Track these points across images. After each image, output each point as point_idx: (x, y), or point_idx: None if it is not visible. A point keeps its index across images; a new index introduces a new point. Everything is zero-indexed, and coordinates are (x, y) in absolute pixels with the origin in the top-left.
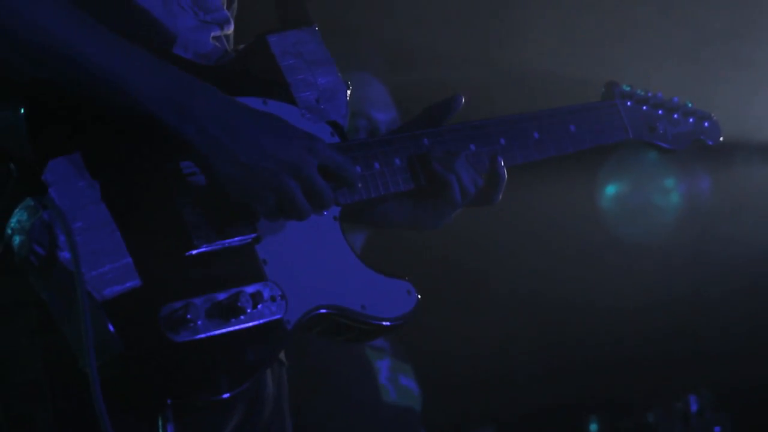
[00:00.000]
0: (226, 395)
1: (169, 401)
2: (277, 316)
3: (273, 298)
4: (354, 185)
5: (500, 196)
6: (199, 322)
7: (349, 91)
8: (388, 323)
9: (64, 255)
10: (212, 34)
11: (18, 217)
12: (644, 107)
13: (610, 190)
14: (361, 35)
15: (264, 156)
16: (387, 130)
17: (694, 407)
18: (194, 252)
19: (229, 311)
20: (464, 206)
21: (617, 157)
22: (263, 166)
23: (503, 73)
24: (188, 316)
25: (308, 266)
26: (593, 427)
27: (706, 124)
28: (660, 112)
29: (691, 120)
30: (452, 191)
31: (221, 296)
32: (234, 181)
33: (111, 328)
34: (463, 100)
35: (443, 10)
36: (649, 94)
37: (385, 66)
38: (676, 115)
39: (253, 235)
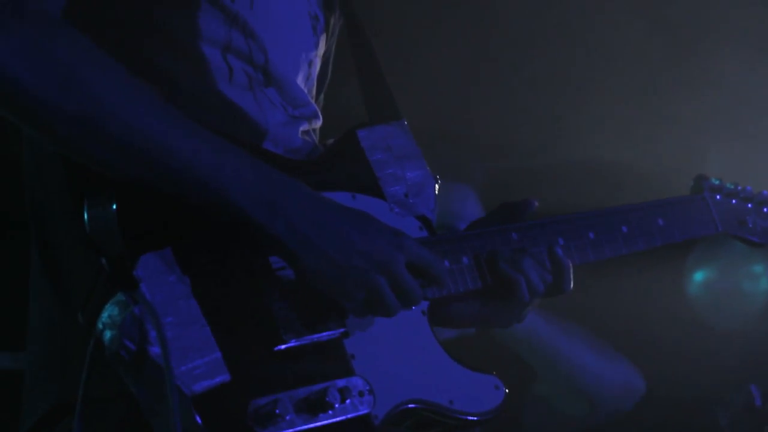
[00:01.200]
0: None
1: None
2: (365, 411)
3: (361, 393)
4: (442, 281)
5: (571, 285)
6: (288, 417)
7: (437, 185)
8: (475, 418)
9: (155, 350)
10: (301, 128)
11: (109, 312)
12: (733, 201)
13: (698, 276)
14: (461, 140)
15: (353, 253)
16: None
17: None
18: (283, 347)
19: (318, 406)
20: (536, 302)
21: (705, 244)
22: (352, 264)
23: (584, 165)
24: (277, 411)
25: (396, 360)
26: None
27: None
28: (749, 205)
29: None
30: (520, 290)
31: (310, 391)
32: (323, 277)
33: (199, 421)
34: (536, 204)
35: (524, 104)
36: (738, 188)
37: (483, 168)
38: (766, 209)
39: (342, 330)
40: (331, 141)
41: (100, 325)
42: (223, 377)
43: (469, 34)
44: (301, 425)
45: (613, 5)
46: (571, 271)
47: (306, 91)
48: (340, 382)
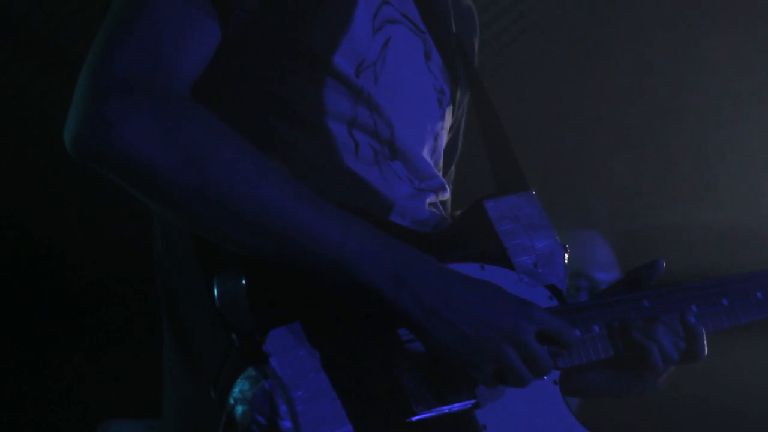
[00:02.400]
0: None
1: None
2: None
3: None
4: (573, 349)
5: (705, 352)
6: None
7: (567, 255)
8: None
9: (286, 424)
10: (428, 200)
11: (240, 387)
12: None
13: None
14: (586, 191)
15: (482, 325)
16: None
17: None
18: (414, 419)
19: None
20: (670, 370)
21: None
22: (481, 336)
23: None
24: None
25: (528, 431)
26: None
27: None
28: None
29: None
30: (653, 358)
31: None
32: (452, 350)
33: None
34: (664, 265)
35: (655, 159)
36: None
37: (609, 217)
38: None
39: (473, 401)
40: (458, 212)
41: (232, 400)
42: None
43: (576, 79)
44: None
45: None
46: (705, 338)
47: (432, 163)
48: None
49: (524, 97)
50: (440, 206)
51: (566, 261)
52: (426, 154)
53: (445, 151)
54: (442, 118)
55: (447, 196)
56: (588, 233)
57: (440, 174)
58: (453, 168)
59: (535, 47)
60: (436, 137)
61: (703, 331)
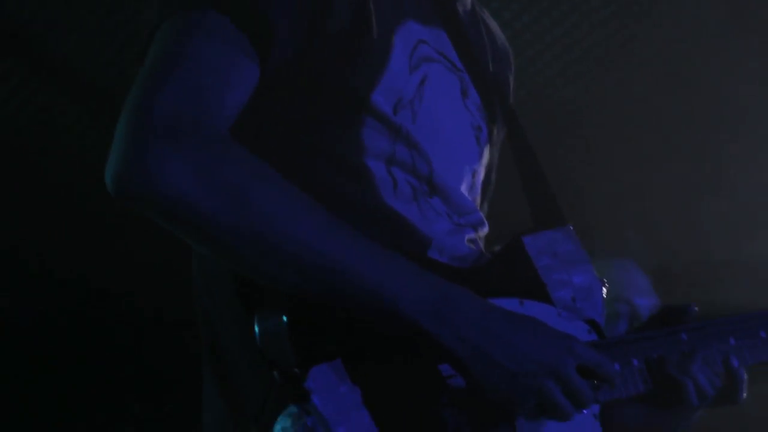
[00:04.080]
0: None
1: None
2: None
3: None
4: (613, 382)
5: (744, 396)
6: None
7: (605, 289)
8: None
9: None
10: (467, 236)
11: (282, 425)
12: None
13: None
14: (620, 223)
15: (523, 360)
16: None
17: None
18: None
19: None
20: (705, 408)
21: None
22: (523, 371)
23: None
24: None
25: None
26: None
27: None
28: None
29: None
30: (688, 394)
31: None
32: (494, 385)
33: None
34: (697, 310)
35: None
36: None
37: (645, 248)
38: None
39: None
40: (497, 248)
41: None
42: None
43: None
44: None
45: None
46: (744, 377)
47: (471, 199)
48: None
49: (557, 129)
50: (479, 242)
51: (604, 295)
52: (464, 190)
53: (481, 187)
54: (480, 155)
55: (486, 231)
56: (624, 261)
57: (479, 209)
58: (487, 204)
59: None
60: (474, 174)
61: (744, 377)
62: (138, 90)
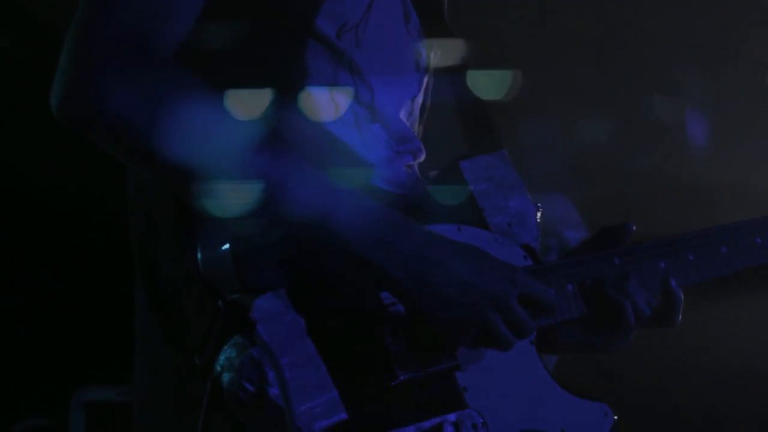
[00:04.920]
0: None
1: None
2: None
3: (475, 426)
4: (553, 311)
5: (680, 318)
6: None
7: (539, 213)
8: None
9: (274, 391)
10: (405, 163)
11: (227, 355)
12: None
13: None
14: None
15: (466, 289)
16: None
17: None
18: (396, 382)
19: None
20: (642, 328)
21: None
22: (465, 300)
23: (682, 185)
24: None
25: (507, 392)
26: None
27: None
28: None
29: None
30: (627, 315)
31: (424, 426)
32: (436, 314)
33: None
34: (634, 228)
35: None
36: None
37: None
38: None
39: (454, 363)
40: (433, 173)
41: (218, 368)
42: (340, 416)
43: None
44: None
45: None
46: (681, 303)
47: (409, 125)
48: (453, 416)
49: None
50: (416, 168)
51: (539, 220)
52: (403, 116)
53: (419, 112)
54: (420, 81)
55: (423, 157)
56: (554, 196)
57: (417, 136)
58: (422, 127)
59: None
60: (413, 100)
61: (681, 297)
62: (83, 14)
